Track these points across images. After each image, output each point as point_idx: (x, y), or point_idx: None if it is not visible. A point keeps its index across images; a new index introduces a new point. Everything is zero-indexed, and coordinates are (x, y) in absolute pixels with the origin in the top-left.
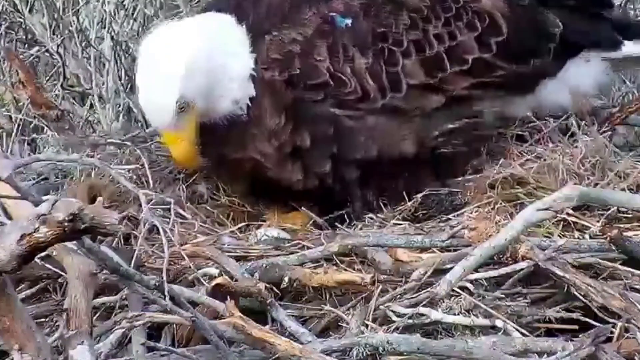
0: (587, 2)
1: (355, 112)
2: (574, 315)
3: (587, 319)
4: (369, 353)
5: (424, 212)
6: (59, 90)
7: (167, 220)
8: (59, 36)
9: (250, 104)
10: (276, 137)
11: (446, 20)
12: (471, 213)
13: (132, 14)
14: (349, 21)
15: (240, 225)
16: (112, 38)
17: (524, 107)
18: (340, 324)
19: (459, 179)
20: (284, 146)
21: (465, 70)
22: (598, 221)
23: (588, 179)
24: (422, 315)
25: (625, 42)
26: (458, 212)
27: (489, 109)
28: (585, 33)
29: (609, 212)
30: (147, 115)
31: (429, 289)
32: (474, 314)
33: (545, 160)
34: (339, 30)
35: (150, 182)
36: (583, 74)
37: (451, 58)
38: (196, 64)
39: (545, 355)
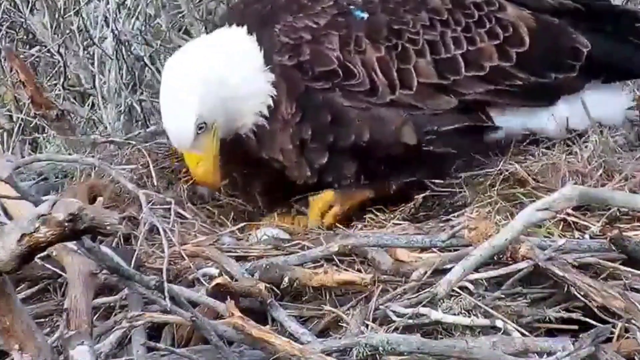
0: (625, 30)
1: (362, 104)
2: (574, 315)
3: (587, 319)
4: (369, 353)
5: (424, 212)
6: (59, 90)
7: (167, 220)
8: (59, 36)
9: (272, 106)
10: (289, 128)
11: (466, 25)
12: (471, 213)
13: (134, 13)
14: (365, 15)
15: (240, 225)
16: (114, 37)
17: (545, 121)
18: (340, 324)
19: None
20: (293, 138)
21: (481, 76)
22: (598, 221)
23: (591, 178)
24: (422, 315)
25: None
26: (458, 212)
27: (505, 118)
28: (618, 60)
29: (609, 212)
30: (170, 137)
31: (429, 289)
32: (474, 314)
33: (548, 159)
34: (353, 22)
35: (155, 180)
36: (614, 102)
37: (468, 63)
38: (211, 85)
39: (545, 355)
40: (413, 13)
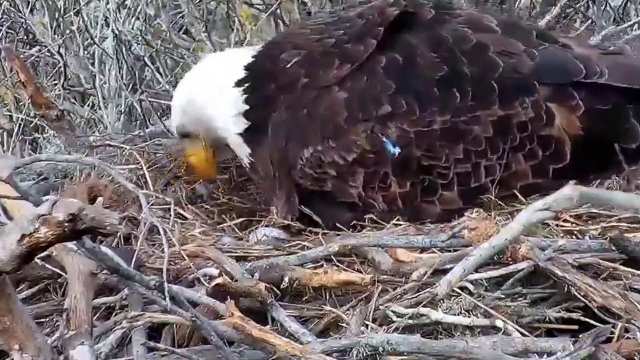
0: None
1: (383, 219)
2: (574, 315)
3: (587, 319)
4: (368, 353)
5: None
6: (59, 90)
7: (167, 220)
8: (59, 36)
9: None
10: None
11: (504, 152)
12: (471, 213)
13: (134, 13)
14: (397, 151)
15: (239, 220)
16: (114, 37)
17: None
18: (340, 324)
19: None
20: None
21: (509, 195)
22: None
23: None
24: (422, 315)
25: None
26: None
27: None
28: None
29: (609, 220)
30: None
31: (429, 289)
32: (474, 314)
33: None
34: (383, 159)
35: (150, 183)
36: None
37: (498, 186)
38: (192, 103)
39: (545, 356)
40: (449, 146)
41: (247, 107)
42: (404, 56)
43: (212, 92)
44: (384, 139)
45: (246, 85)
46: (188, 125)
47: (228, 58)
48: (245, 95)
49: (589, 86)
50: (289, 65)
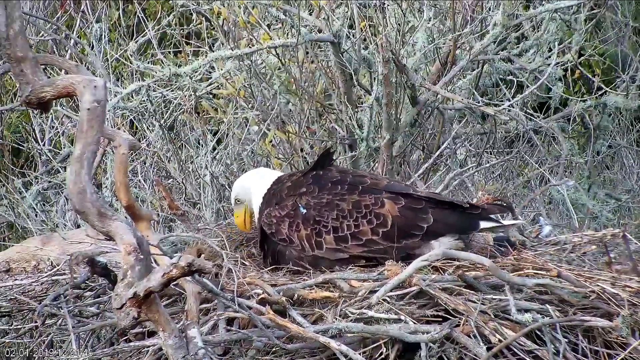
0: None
1: (299, 254)
2: (440, 313)
3: (446, 315)
4: (337, 332)
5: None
6: (182, 201)
7: (236, 265)
8: (182, 173)
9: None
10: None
11: (356, 217)
12: (389, 263)
13: (220, 162)
14: (304, 210)
15: (271, 267)
16: (210, 174)
17: None
18: (323, 318)
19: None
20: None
21: (360, 244)
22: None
23: None
24: (364, 313)
25: (481, 222)
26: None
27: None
28: (450, 225)
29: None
30: None
31: (368, 301)
32: (390, 313)
33: None
34: (298, 214)
35: (227, 247)
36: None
37: (353, 237)
38: (243, 186)
39: (425, 334)
40: (329, 212)
41: (262, 200)
42: (321, 173)
43: (255, 185)
44: (299, 204)
45: (267, 188)
46: (240, 196)
47: (269, 172)
48: (265, 192)
49: (412, 196)
50: (283, 186)
